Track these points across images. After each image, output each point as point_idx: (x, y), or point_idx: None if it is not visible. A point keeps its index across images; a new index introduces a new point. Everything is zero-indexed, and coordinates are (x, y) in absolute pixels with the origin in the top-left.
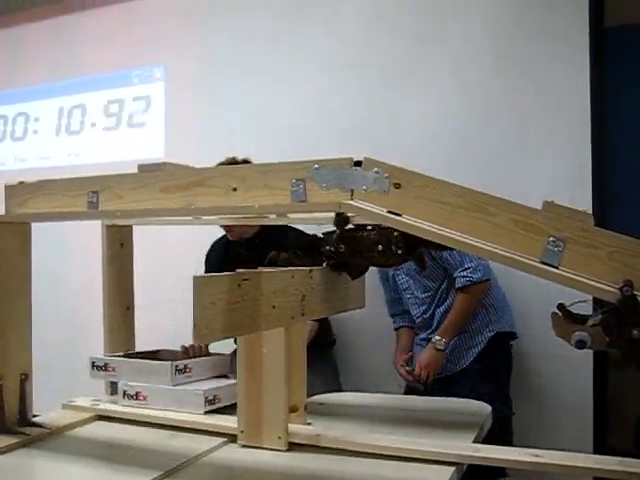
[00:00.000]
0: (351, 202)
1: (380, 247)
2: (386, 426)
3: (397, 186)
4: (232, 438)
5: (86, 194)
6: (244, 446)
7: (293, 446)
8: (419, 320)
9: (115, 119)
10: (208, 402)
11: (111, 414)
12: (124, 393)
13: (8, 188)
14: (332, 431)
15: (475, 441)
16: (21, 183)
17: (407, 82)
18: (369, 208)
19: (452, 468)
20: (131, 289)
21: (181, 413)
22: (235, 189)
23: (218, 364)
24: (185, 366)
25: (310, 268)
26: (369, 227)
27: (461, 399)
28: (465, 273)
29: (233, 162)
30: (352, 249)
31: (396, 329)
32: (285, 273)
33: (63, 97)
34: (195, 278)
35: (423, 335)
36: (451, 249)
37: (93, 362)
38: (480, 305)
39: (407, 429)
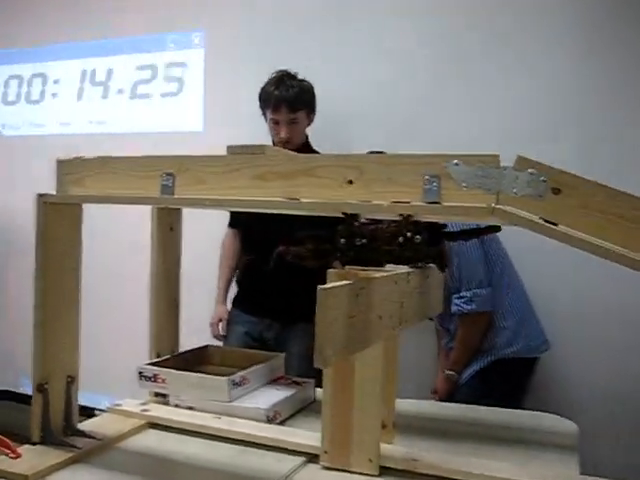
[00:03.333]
0: (501, 207)
1: (401, 239)
2: (468, 445)
3: (556, 192)
4: (310, 457)
5: (159, 176)
6: (327, 468)
7: (384, 470)
8: (440, 328)
9: (146, 86)
10: (269, 420)
11: (165, 423)
12: (176, 406)
13: (61, 163)
14: (424, 453)
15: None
16: (77, 158)
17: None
18: (521, 214)
19: None
20: (178, 280)
21: (247, 426)
22: (351, 182)
23: (274, 367)
24: (243, 378)
25: (407, 271)
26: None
27: (542, 413)
28: (458, 302)
29: (284, 74)
30: (370, 242)
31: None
32: (388, 278)
33: (87, 59)
34: (320, 290)
35: (444, 341)
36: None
37: (140, 372)
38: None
39: (493, 450)
